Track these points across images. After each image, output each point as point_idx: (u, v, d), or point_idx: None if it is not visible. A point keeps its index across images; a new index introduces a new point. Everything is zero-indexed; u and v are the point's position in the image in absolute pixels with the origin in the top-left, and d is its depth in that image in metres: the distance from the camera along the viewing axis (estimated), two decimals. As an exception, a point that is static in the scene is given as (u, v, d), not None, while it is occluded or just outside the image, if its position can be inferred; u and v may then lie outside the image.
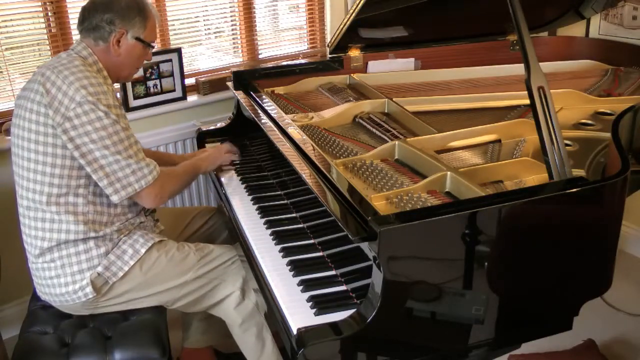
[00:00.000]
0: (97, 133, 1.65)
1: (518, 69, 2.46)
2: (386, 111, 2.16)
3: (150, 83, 2.71)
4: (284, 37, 3.21)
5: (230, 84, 2.39)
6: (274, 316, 1.51)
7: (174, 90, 2.77)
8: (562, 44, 2.78)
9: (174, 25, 2.84)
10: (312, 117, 2.07)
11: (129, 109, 2.65)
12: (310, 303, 1.45)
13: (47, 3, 2.44)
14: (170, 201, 2.79)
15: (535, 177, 1.66)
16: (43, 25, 2.47)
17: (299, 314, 1.42)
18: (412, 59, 2.60)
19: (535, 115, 1.48)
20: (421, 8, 2.33)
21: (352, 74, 2.50)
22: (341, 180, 1.52)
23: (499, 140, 1.90)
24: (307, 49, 3.26)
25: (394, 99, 2.16)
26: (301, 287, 1.51)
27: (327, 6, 3.16)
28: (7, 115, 2.40)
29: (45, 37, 2.48)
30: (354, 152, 1.82)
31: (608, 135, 1.78)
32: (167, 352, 1.75)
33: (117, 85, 1.87)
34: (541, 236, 1.42)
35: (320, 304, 1.43)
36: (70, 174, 1.70)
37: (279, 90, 2.41)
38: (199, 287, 1.87)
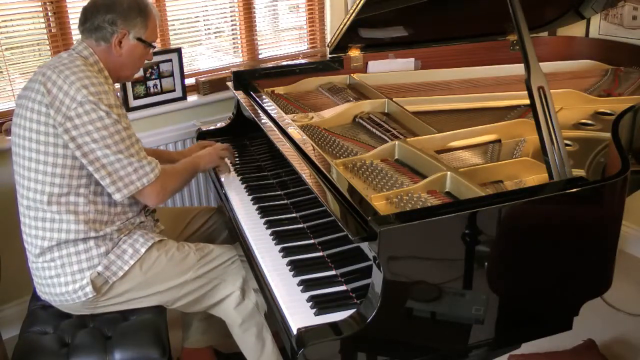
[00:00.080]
0: (98, 132, 1.65)
1: (518, 69, 2.46)
2: (386, 111, 2.16)
3: (150, 83, 2.71)
4: (284, 37, 3.21)
5: (230, 84, 2.39)
6: (274, 316, 1.51)
7: (174, 90, 2.77)
8: (562, 44, 2.78)
9: (174, 25, 2.84)
10: (312, 117, 2.07)
11: (129, 109, 2.65)
12: (310, 303, 1.45)
13: (47, 3, 2.44)
14: (170, 201, 2.80)
15: (535, 177, 1.66)
16: (43, 25, 2.47)
17: (299, 314, 1.42)
18: (412, 59, 2.60)
19: (535, 115, 1.48)
20: (421, 8, 2.33)
21: (352, 74, 2.50)
22: (341, 180, 1.52)
23: (499, 140, 1.90)
24: (307, 49, 3.26)
25: (394, 99, 2.17)
26: (301, 287, 1.51)
27: (327, 6, 3.16)
28: (7, 115, 2.40)
29: (45, 37, 2.48)
30: (354, 152, 1.82)
31: (608, 135, 1.78)
32: (167, 352, 1.75)
33: (117, 85, 1.87)
34: (541, 236, 1.42)
35: (320, 304, 1.43)
36: (71, 174, 1.70)
37: (279, 90, 2.41)
38: (199, 286, 1.87)
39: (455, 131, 1.89)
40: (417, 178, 1.63)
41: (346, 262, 1.53)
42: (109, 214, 1.78)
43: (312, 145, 1.75)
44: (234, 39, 3.05)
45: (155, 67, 2.69)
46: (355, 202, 1.40)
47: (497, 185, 1.63)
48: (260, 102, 2.17)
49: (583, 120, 2.05)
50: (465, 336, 1.42)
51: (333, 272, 1.57)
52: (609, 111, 2.11)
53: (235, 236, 1.93)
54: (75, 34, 2.51)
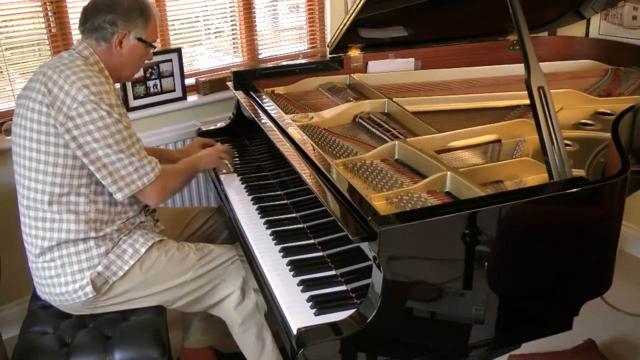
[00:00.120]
0: (99, 132, 1.65)
1: (518, 69, 2.46)
2: (386, 111, 2.16)
3: (150, 83, 2.71)
4: (284, 37, 3.21)
5: (230, 84, 2.39)
6: (274, 316, 1.51)
7: (174, 90, 2.77)
8: (562, 44, 2.78)
9: (174, 25, 2.84)
10: (312, 117, 2.07)
11: (129, 109, 2.65)
12: (310, 303, 1.45)
13: (47, 3, 2.44)
14: (170, 201, 2.80)
15: (535, 177, 1.66)
16: (43, 25, 2.47)
17: (299, 314, 1.42)
18: (412, 59, 2.60)
19: (535, 115, 1.48)
20: (421, 8, 2.33)
21: (352, 74, 2.50)
22: (341, 180, 1.52)
23: (499, 140, 1.90)
24: (307, 49, 3.26)
25: (394, 99, 2.17)
26: (301, 287, 1.51)
27: (327, 6, 3.16)
28: (7, 115, 2.40)
29: (45, 37, 2.48)
30: (354, 152, 1.82)
31: (608, 135, 1.78)
32: (167, 352, 1.75)
33: (117, 85, 1.87)
34: (541, 236, 1.42)
35: (320, 304, 1.43)
36: (72, 174, 1.70)
37: (279, 90, 2.41)
38: (199, 286, 1.87)
39: (455, 131, 1.89)
40: (417, 178, 1.63)
41: (346, 262, 1.53)
42: (110, 214, 1.78)
43: (312, 145, 1.75)
44: (234, 39, 3.05)
45: (155, 67, 2.69)
46: (355, 202, 1.40)
47: (497, 185, 1.63)
48: (260, 102, 2.17)
49: (583, 120, 2.05)
50: (465, 336, 1.42)
51: (333, 272, 1.57)
52: (609, 111, 2.11)
53: (235, 236, 1.93)
54: (75, 34, 2.51)
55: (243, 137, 2.40)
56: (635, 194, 1.84)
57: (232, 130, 2.42)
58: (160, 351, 1.73)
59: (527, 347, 1.64)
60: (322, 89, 2.41)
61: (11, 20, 2.42)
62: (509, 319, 1.46)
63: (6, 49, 2.43)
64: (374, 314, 1.29)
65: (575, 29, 2.89)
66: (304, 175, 1.63)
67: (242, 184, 2.09)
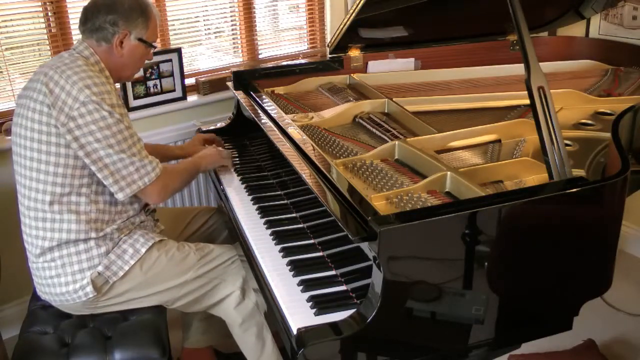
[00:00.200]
0: (101, 132, 1.65)
1: (518, 69, 2.46)
2: (386, 111, 2.16)
3: (150, 83, 2.71)
4: (284, 37, 3.21)
5: (230, 84, 2.39)
6: (274, 316, 1.51)
7: (174, 90, 2.77)
8: (562, 44, 2.78)
9: (174, 25, 2.84)
10: (312, 117, 2.07)
11: (129, 109, 2.65)
12: (310, 303, 1.45)
13: (47, 3, 2.44)
14: (170, 201, 2.80)
15: (535, 177, 1.66)
16: (43, 25, 2.47)
17: (299, 314, 1.42)
18: (412, 59, 2.60)
19: (535, 115, 1.48)
20: (421, 8, 2.33)
21: (352, 74, 2.50)
22: (341, 180, 1.52)
23: (499, 140, 1.90)
24: (307, 49, 3.26)
25: (394, 99, 2.17)
26: (301, 287, 1.51)
27: (327, 6, 3.16)
28: (7, 115, 2.40)
29: (45, 37, 2.48)
30: (354, 152, 1.82)
31: (608, 135, 1.78)
32: (167, 352, 1.76)
33: (117, 85, 1.87)
34: (541, 236, 1.42)
35: (320, 304, 1.43)
36: (73, 173, 1.70)
37: (279, 90, 2.41)
38: (199, 286, 1.87)
39: (455, 131, 1.89)
40: (417, 178, 1.63)
41: (346, 262, 1.53)
42: (110, 213, 1.79)
43: (312, 145, 1.75)
44: (234, 39, 3.05)
45: (155, 67, 2.69)
46: (355, 202, 1.40)
47: (497, 185, 1.63)
48: (260, 102, 2.17)
49: (583, 120, 2.06)
50: (465, 336, 1.42)
51: (333, 272, 1.57)
52: (609, 111, 2.11)
53: (235, 236, 1.93)
54: (75, 34, 2.51)
55: (243, 137, 2.40)
56: (635, 194, 1.84)
57: (232, 130, 2.42)
58: (160, 351, 1.73)
59: (527, 347, 1.64)
60: (322, 89, 2.41)
61: (11, 20, 2.42)
62: (509, 319, 1.46)
63: (6, 49, 2.43)
64: (374, 314, 1.29)
65: (575, 29, 2.89)
66: (304, 175, 1.63)
67: (242, 184, 2.09)
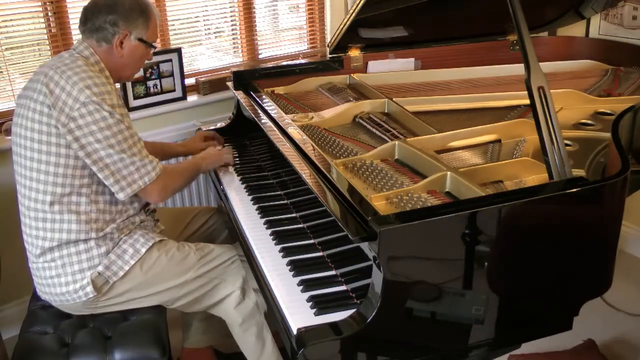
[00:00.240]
0: (102, 133, 1.65)
1: (518, 69, 2.46)
2: (386, 111, 2.16)
3: (150, 83, 2.71)
4: (284, 37, 3.21)
5: (230, 84, 2.39)
6: (274, 316, 1.51)
7: (174, 90, 2.77)
8: (562, 44, 2.78)
9: (174, 25, 2.84)
10: (312, 117, 2.07)
11: (129, 109, 2.65)
12: (310, 303, 1.45)
13: (47, 3, 2.44)
14: (170, 201, 2.80)
15: (535, 177, 1.66)
16: (43, 25, 2.47)
17: (299, 314, 1.42)
18: (412, 59, 2.60)
19: (535, 115, 1.48)
20: (421, 8, 2.33)
21: (352, 74, 2.50)
22: (341, 180, 1.52)
23: (499, 140, 1.90)
24: (307, 49, 3.26)
25: (394, 99, 2.17)
26: (301, 287, 1.51)
27: (327, 6, 3.16)
28: (7, 115, 2.40)
29: (45, 37, 2.48)
30: (354, 152, 1.82)
31: (608, 135, 1.78)
32: (167, 352, 1.76)
33: (117, 85, 1.87)
34: (541, 236, 1.42)
35: (320, 304, 1.43)
36: (73, 174, 1.70)
37: (279, 90, 2.41)
38: (199, 286, 1.87)
39: (455, 131, 1.89)
40: (417, 178, 1.63)
41: (346, 262, 1.53)
42: (110, 213, 1.79)
43: (312, 145, 1.75)
44: (234, 39, 3.05)
45: (155, 67, 2.69)
46: (355, 202, 1.40)
47: (497, 185, 1.63)
48: (260, 102, 2.17)
49: (583, 120, 2.05)
50: (465, 336, 1.42)
51: (333, 272, 1.57)
52: (609, 111, 2.11)
53: (235, 236, 1.93)
54: (76, 34, 2.51)
55: (243, 137, 2.40)
56: (635, 194, 1.84)
57: (232, 130, 2.42)
58: (160, 351, 1.73)
59: (527, 347, 1.64)
60: (322, 89, 2.41)
61: (11, 20, 2.42)
62: (509, 319, 1.46)
63: (6, 49, 2.43)
64: (374, 314, 1.29)
65: (575, 29, 2.89)
66: (304, 175, 1.63)
67: (242, 184, 2.09)
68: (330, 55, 2.51)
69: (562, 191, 1.42)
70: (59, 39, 2.49)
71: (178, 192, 2.06)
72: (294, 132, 1.85)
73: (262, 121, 2.01)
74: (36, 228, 1.74)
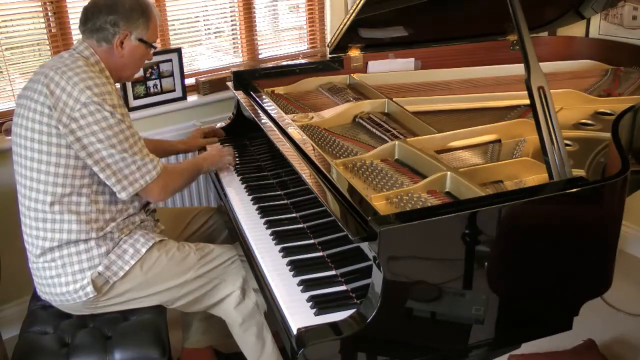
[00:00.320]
0: (103, 133, 1.65)
1: (518, 69, 2.46)
2: (386, 111, 2.16)
3: (150, 83, 2.71)
4: (284, 37, 3.21)
5: (230, 84, 2.39)
6: (273, 316, 1.51)
7: (174, 90, 2.77)
8: (562, 44, 2.78)
9: (174, 25, 2.84)
10: (312, 117, 2.07)
11: (129, 108, 2.65)
12: (310, 303, 1.45)
13: (47, 3, 2.44)
14: (170, 201, 2.80)
15: (535, 177, 1.66)
16: (43, 25, 2.47)
17: (299, 314, 1.42)
18: (412, 59, 2.60)
19: (535, 115, 1.48)
20: (421, 8, 2.33)
21: (352, 74, 2.50)
22: (341, 180, 1.52)
23: (499, 140, 1.90)
24: (307, 49, 3.26)
25: (394, 99, 2.17)
26: (301, 287, 1.51)
27: (327, 6, 3.16)
28: (7, 115, 2.40)
29: (45, 37, 2.48)
30: (354, 152, 1.82)
31: (608, 135, 1.78)
32: (167, 352, 1.76)
33: (117, 85, 1.87)
34: (541, 236, 1.42)
35: (320, 304, 1.43)
36: (74, 174, 1.70)
37: (279, 90, 2.41)
38: (199, 286, 1.87)
39: (455, 131, 1.89)
40: (417, 178, 1.63)
41: (346, 262, 1.53)
42: (111, 212, 1.79)
43: (312, 145, 1.75)
44: (234, 39, 3.05)
45: (155, 67, 2.69)
46: (355, 202, 1.40)
47: (497, 185, 1.63)
48: (260, 102, 2.17)
49: (583, 120, 2.05)
50: (465, 336, 1.42)
51: (333, 272, 1.57)
52: (609, 111, 2.11)
53: (235, 236, 1.93)
54: (76, 34, 2.51)
55: (243, 137, 2.40)
56: (635, 194, 1.84)
57: (232, 130, 2.42)
58: (160, 351, 1.73)
59: (527, 347, 1.64)
60: (322, 89, 2.41)
61: (11, 20, 2.43)
62: (509, 319, 1.46)
63: (6, 49, 2.43)
64: (374, 314, 1.29)
65: (575, 29, 2.89)
66: (304, 175, 1.63)
67: (242, 184, 2.09)
68: (330, 55, 2.51)
69: (562, 191, 1.42)
70: (59, 39, 2.49)
71: (178, 191, 2.06)
72: (294, 132, 1.85)
73: (262, 121, 2.01)
74: (36, 228, 1.74)
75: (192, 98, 2.85)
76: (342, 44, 2.47)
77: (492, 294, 1.40)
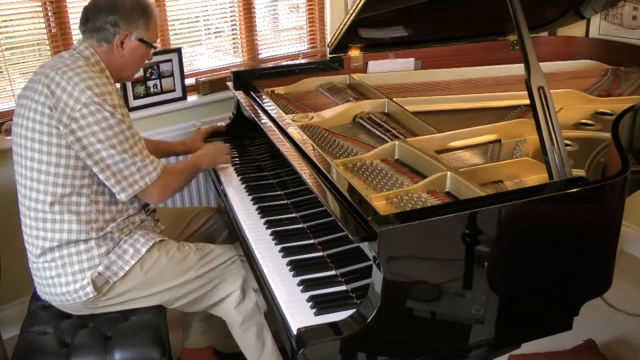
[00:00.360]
0: (103, 133, 1.65)
1: (518, 69, 2.46)
2: (386, 111, 2.16)
3: (150, 83, 2.71)
4: (284, 37, 3.21)
5: (230, 84, 2.39)
6: (273, 316, 1.51)
7: (174, 90, 2.77)
8: (562, 44, 2.78)
9: (174, 25, 2.84)
10: (312, 117, 2.07)
11: (129, 109, 2.65)
12: (310, 303, 1.45)
13: (47, 3, 2.44)
14: (170, 201, 2.80)
15: (535, 177, 1.66)
16: (43, 25, 2.47)
17: (299, 314, 1.42)
18: (412, 59, 2.60)
19: (535, 115, 1.48)
20: (421, 8, 2.33)
21: (352, 74, 2.50)
22: (341, 180, 1.52)
23: (499, 140, 1.90)
24: (307, 49, 3.26)
25: (394, 99, 2.17)
26: (301, 287, 1.51)
27: (327, 6, 3.16)
28: (7, 115, 2.40)
29: (45, 37, 2.48)
30: (354, 152, 1.82)
31: (608, 135, 1.78)
32: (167, 352, 1.76)
33: (117, 85, 1.87)
34: (541, 236, 1.42)
35: (320, 304, 1.43)
36: (74, 174, 1.70)
37: (279, 90, 2.41)
38: (199, 286, 1.87)
39: (455, 131, 1.89)
40: (417, 178, 1.63)
41: (346, 262, 1.53)
42: (111, 213, 1.79)
43: (312, 145, 1.75)
44: (234, 39, 3.05)
45: (155, 67, 2.69)
46: (355, 202, 1.40)
47: (497, 185, 1.63)
48: (260, 102, 2.17)
49: (583, 120, 2.05)
50: (465, 336, 1.42)
51: (333, 272, 1.57)
52: (609, 111, 2.11)
53: (235, 236, 1.93)
54: (76, 34, 2.51)
55: (243, 137, 2.40)
56: (635, 194, 1.84)
57: (232, 130, 2.42)
58: (160, 351, 1.73)
59: (527, 347, 1.64)
60: (322, 89, 2.41)
61: (11, 20, 2.43)
62: (509, 319, 1.46)
63: (6, 49, 2.43)
64: (374, 314, 1.29)
65: (575, 29, 2.89)
66: (304, 175, 1.63)
67: (242, 184, 2.09)
68: (330, 55, 2.51)
69: (562, 191, 1.42)
70: (59, 39, 2.49)
71: (177, 192, 2.06)
72: (294, 132, 1.85)
73: (262, 121, 2.01)
74: (36, 228, 1.74)
75: (192, 98, 2.85)
76: (342, 44, 2.47)
77: (492, 294, 1.40)
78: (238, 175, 2.15)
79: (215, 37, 3.04)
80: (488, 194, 1.43)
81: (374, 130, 2.01)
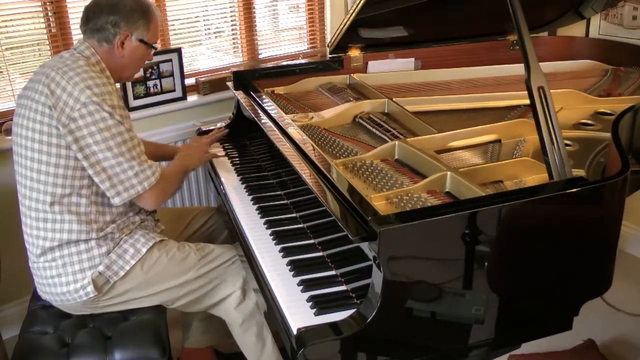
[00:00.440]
0: (101, 134, 1.65)
1: (518, 69, 2.46)
2: (386, 111, 2.16)
3: (150, 83, 2.71)
4: (284, 37, 3.21)
5: (230, 84, 2.39)
6: (273, 316, 1.51)
7: (174, 90, 2.77)
8: (562, 44, 2.78)
9: (174, 25, 2.84)
10: (312, 117, 2.07)
11: (129, 109, 2.65)
12: (310, 303, 1.45)
13: (47, 3, 2.44)
14: (171, 201, 2.80)
15: (535, 177, 1.66)
16: (43, 25, 2.47)
17: (299, 314, 1.42)
18: (412, 59, 2.60)
19: (535, 115, 1.48)
20: (421, 8, 2.33)
21: (352, 74, 2.50)
22: (341, 180, 1.52)
23: (499, 140, 1.90)
24: (307, 49, 3.26)
25: (394, 99, 2.17)
26: (301, 287, 1.51)
27: (327, 6, 3.16)
28: (7, 115, 2.40)
29: (45, 37, 2.48)
30: (354, 152, 1.82)
31: (608, 135, 1.78)
32: (167, 352, 1.76)
33: (117, 85, 1.87)
34: (541, 236, 1.42)
35: (320, 304, 1.43)
36: (74, 174, 1.70)
37: (279, 90, 2.41)
38: (199, 286, 1.87)
39: (455, 131, 1.89)
40: (417, 178, 1.63)
41: (346, 262, 1.53)
42: (111, 214, 1.78)
43: (312, 145, 1.75)
44: (234, 39, 3.05)
45: (155, 67, 2.69)
46: (355, 202, 1.41)
47: (497, 185, 1.63)
48: (260, 102, 2.17)
49: (583, 120, 2.06)
50: (465, 336, 1.42)
51: (333, 272, 1.57)
52: (609, 111, 2.11)
53: (235, 236, 1.93)
54: (76, 34, 2.51)
55: (243, 137, 2.40)
56: (635, 194, 1.84)
57: (232, 130, 2.42)
58: (160, 351, 1.73)
59: (527, 347, 1.64)
60: (322, 89, 2.42)
61: (11, 20, 2.42)
62: (509, 319, 1.46)
63: (6, 49, 2.43)
64: (374, 314, 1.29)
65: (575, 29, 2.89)
66: (304, 175, 1.63)
67: (242, 184, 2.09)
68: (330, 55, 2.51)
69: (562, 191, 1.42)
70: (59, 39, 2.49)
71: (172, 196, 2.04)
72: (294, 132, 1.85)
73: (262, 121, 2.01)
74: (37, 228, 1.74)
75: (192, 98, 2.85)
76: (342, 44, 2.47)
77: (492, 294, 1.40)
78: (238, 175, 2.15)
79: (215, 37, 3.04)
80: (488, 194, 1.43)
81: (374, 130, 2.01)
